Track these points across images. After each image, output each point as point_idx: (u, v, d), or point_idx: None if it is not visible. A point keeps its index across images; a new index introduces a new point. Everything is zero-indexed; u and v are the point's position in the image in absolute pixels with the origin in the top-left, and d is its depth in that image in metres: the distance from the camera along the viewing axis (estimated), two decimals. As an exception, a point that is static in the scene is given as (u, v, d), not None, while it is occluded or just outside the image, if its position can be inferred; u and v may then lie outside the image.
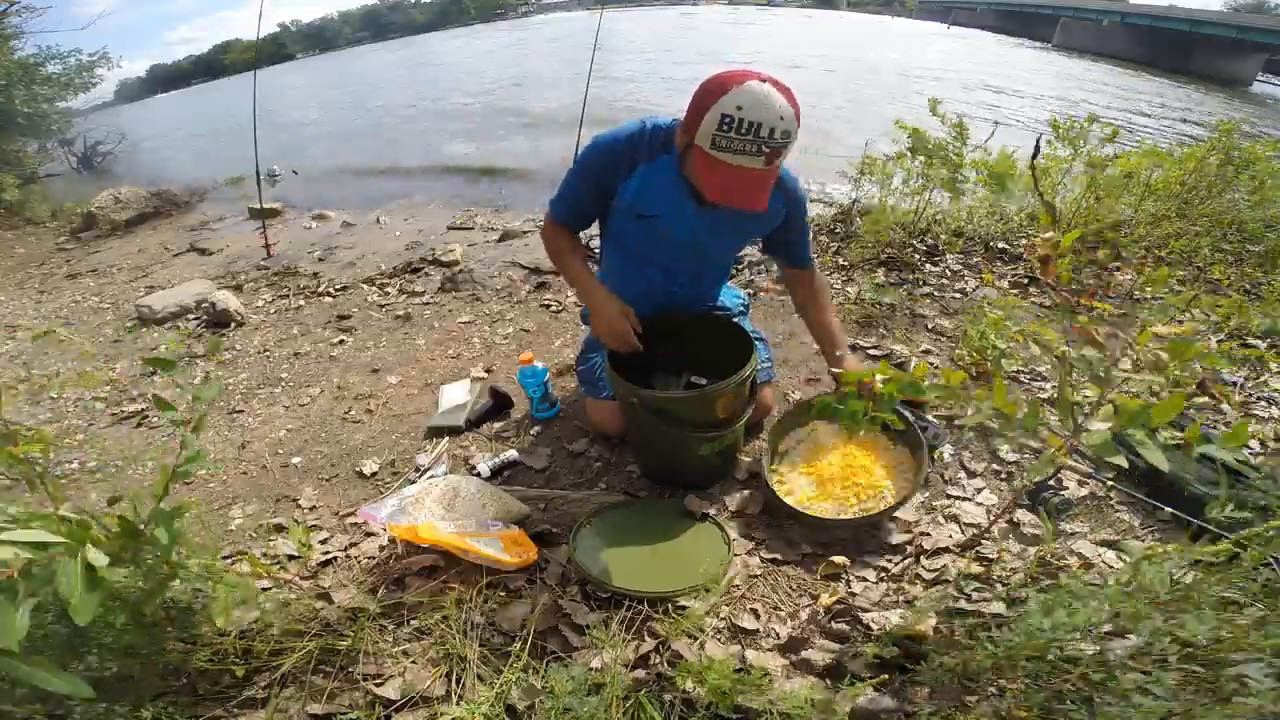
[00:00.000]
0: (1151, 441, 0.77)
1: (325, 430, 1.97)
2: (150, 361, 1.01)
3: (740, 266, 2.85)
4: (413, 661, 1.07)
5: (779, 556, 1.29)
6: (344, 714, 0.99)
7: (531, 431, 1.82)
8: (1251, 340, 2.03)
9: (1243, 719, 0.66)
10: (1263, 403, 1.75)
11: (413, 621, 1.14)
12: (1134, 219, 2.89)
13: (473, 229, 4.12)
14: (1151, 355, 0.82)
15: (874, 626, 1.09)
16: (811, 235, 1.59)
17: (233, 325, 2.88)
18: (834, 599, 1.17)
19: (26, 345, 2.88)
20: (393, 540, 1.36)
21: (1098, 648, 0.82)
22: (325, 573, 1.32)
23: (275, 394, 2.25)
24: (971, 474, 1.49)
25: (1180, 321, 2.00)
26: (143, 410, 2.21)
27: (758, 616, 1.15)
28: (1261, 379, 1.81)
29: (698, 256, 1.58)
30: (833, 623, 1.12)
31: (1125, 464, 0.84)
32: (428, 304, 2.87)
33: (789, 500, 1.37)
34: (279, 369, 2.44)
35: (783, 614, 1.17)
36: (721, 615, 1.16)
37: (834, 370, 1.45)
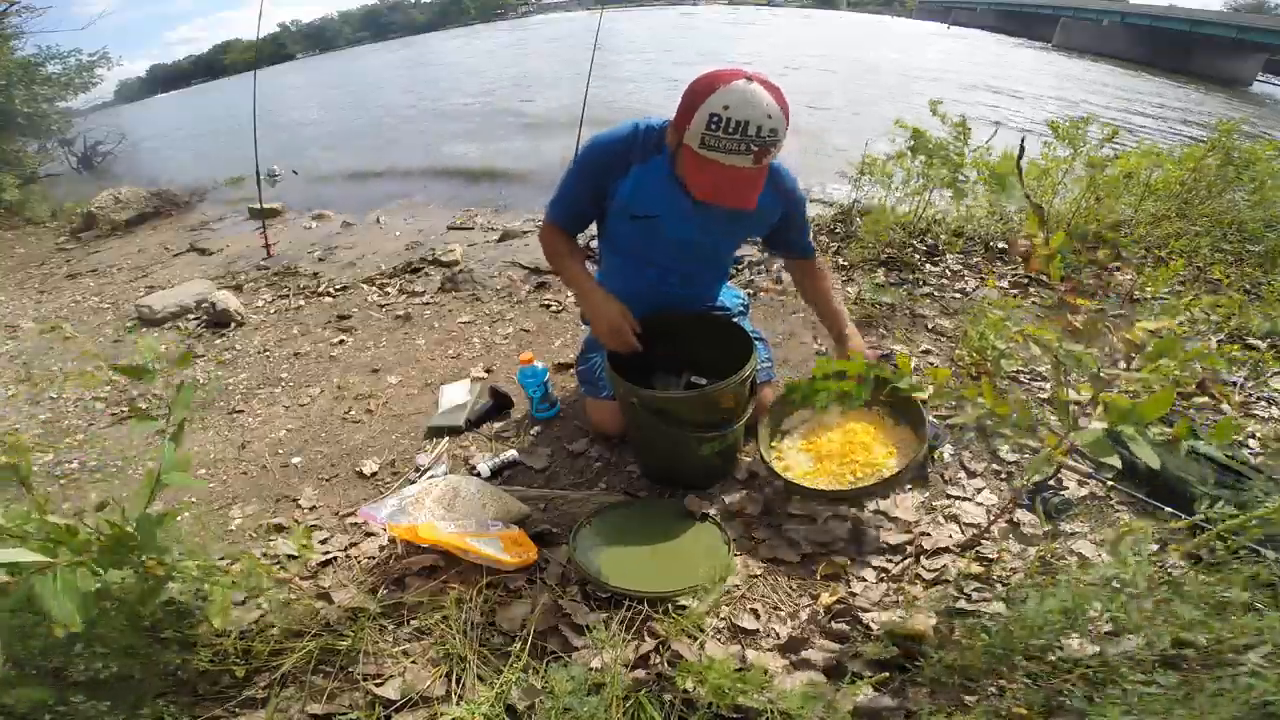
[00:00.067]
0: (1142, 438, 0.77)
1: (325, 430, 1.97)
2: (124, 370, 0.94)
3: (740, 266, 2.85)
4: (413, 661, 1.07)
5: (779, 556, 1.29)
6: (344, 714, 0.99)
7: (531, 431, 1.82)
8: (1252, 340, 2.03)
9: (1244, 704, 0.66)
10: (1263, 403, 1.75)
11: (413, 621, 1.13)
12: (1134, 219, 2.89)
13: (473, 229, 4.12)
14: (1135, 338, 0.82)
15: (874, 626, 1.09)
16: (811, 236, 1.60)
17: (233, 325, 2.88)
18: (834, 599, 1.17)
19: (27, 345, 2.88)
20: (393, 540, 1.36)
21: (1098, 648, 0.82)
22: (325, 573, 1.32)
23: (275, 394, 2.25)
24: (971, 474, 1.50)
25: (1180, 322, 2.00)
26: (142, 410, 2.21)
27: (758, 616, 1.15)
28: (1261, 379, 1.81)
29: (693, 256, 1.58)
30: (832, 623, 1.12)
31: (1119, 463, 0.84)
32: (428, 304, 2.87)
33: (787, 476, 1.37)
34: (279, 369, 2.44)
35: (783, 614, 1.17)
36: (721, 615, 1.16)
37: (820, 353, 1.44)
